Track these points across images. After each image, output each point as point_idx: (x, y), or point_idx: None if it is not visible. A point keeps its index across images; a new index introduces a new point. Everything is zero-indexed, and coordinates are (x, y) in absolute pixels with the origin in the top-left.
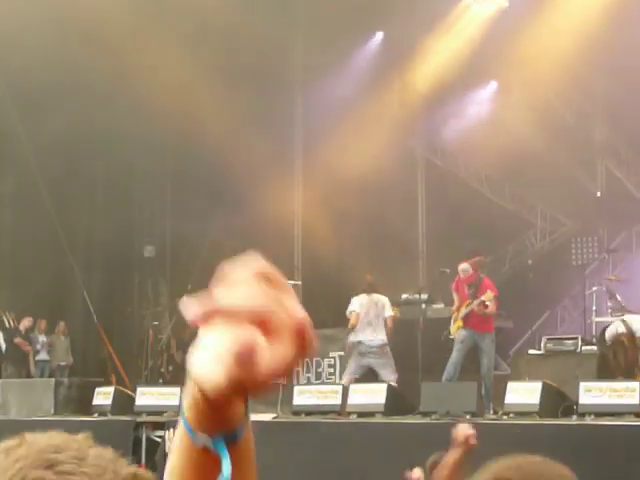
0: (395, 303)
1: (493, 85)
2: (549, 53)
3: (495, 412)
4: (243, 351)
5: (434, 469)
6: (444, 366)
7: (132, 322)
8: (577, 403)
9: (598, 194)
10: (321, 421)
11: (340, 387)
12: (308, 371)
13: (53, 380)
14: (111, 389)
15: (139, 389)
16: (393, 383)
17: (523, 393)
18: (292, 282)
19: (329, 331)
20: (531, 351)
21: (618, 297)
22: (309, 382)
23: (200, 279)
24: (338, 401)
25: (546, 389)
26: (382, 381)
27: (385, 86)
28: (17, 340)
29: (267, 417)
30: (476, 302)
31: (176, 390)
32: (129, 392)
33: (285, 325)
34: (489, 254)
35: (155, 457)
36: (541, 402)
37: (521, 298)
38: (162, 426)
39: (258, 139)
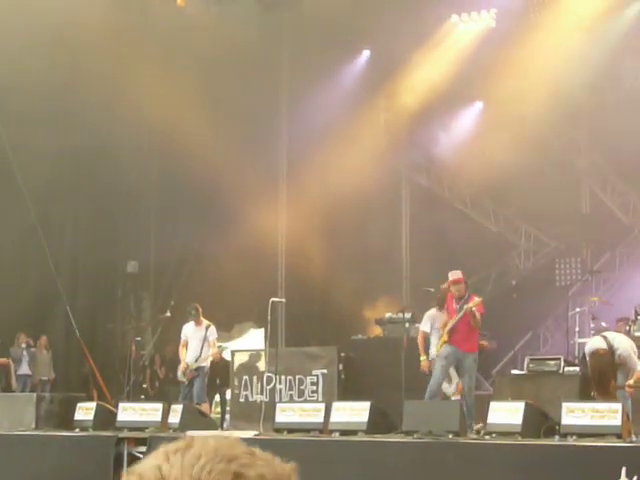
0: (379, 322)
1: (478, 105)
2: (534, 74)
3: (477, 432)
4: None
5: None
6: (427, 385)
7: (114, 337)
8: (559, 424)
9: (583, 212)
10: (303, 439)
11: (323, 405)
12: (291, 389)
13: (35, 395)
14: (93, 404)
15: (121, 405)
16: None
17: (505, 413)
18: (276, 300)
19: (312, 349)
20: (514, 371)
21: (602, 323)
22: (292, 399)
23: (183, 295)
24: (320, 419)
25: (528, 409)
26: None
27: (370, 105)
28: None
29: (249, 434)
30: (464, 310)
31: (158, 406)
32: (111, 407)
33: None
34: (473, 274)
35: None
36: (523, 422)
37: (504, 318)
38: (144, 442)
39: (243, 157)
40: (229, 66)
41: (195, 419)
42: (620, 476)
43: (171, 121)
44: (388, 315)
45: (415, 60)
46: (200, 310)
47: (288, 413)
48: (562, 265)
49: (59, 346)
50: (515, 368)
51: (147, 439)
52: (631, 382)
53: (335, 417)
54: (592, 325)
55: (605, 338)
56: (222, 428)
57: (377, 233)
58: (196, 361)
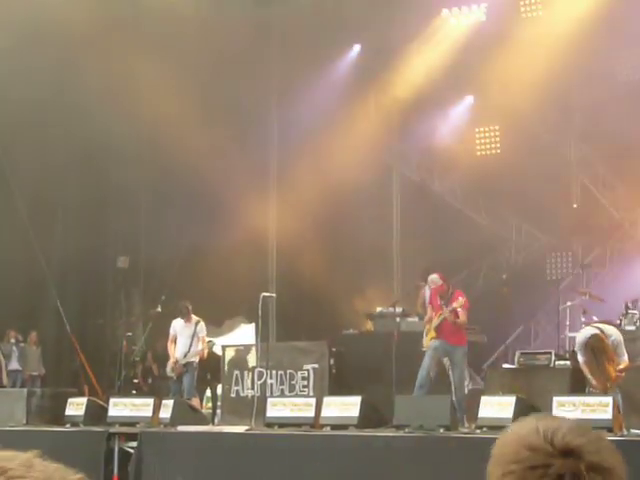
0: (369, 317)
1: (469, 99)
2: (525, 68)
3: (468, 426)
4: None
5: None
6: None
7: (105, 333)
8: None
9: (574, 206)
10: (294, 433)
11: (314, 400)
12: (282, 383)
13: (25, 390)
14: (84, 400)
15: (112, 400)
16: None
17: (497, 407)
18: (267, 294)
19: (303, 344)
20: (505, 365)
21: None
22: (283, 394)
23: (174, 290)
24: (311, 414)
25: (519, 403)
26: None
27: (361, 99)
28: None
29: (240, 429)
30: (448, 309)
31: (149, 401)
32: (102, 403)
33: None
34: (464, 268)
35: (128, 468)
36: (514, 416)
37: (495, 313)
38: (135, 437)
39: (234, 152)
40: (219, 61)
41: (186, 414)
42: None
43: (161, 116)
44: (379, 309)
45: (405, 54)
46: (190, 309)
47: (279, 408)
48: (553, 259)
49: (50, 341)
50: (506, 362)
51: (138, 434)
52: (621, 367)
53: (326, 412)
54: (583, 319)
55: (597, 327)
56: (213, 423)
57: (368, 227)
58: (185, 357)
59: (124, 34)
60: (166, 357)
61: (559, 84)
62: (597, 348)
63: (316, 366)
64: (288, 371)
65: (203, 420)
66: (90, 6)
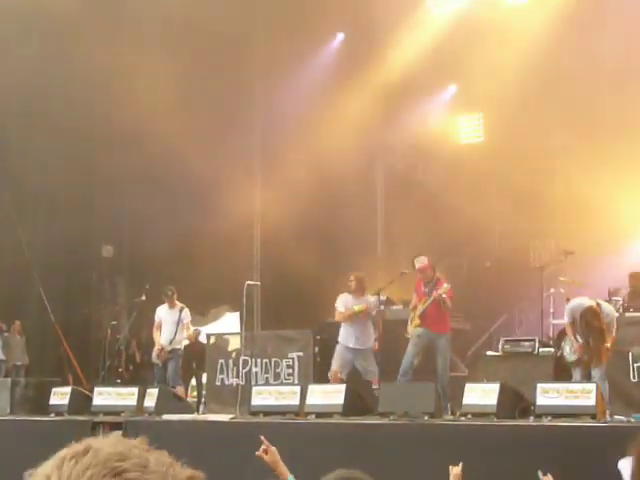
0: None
1: (452, 89)
2: (508, 55)
3: (453, 413)
4: None
5: None
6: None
7: (89, 322)
8: (534, 404)
9: (557, 193)
10: (279, 422)
11: (298, 388)
12: (267, 372)
13: (9, 380)
14: (68, 389)
15: (96, 389)
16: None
17: (481, 394)
18: (252, 283)
19: (288, 332)
20: (489, 352)
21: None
22: (267, 382)
23: (158, 279)
24: (296, 402)
25: (503, 390)
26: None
27: (344, 89)
28: None
29: (225, 418)
30: (432, 298)
31: (134, 390)
32: (86, 392)
33: None
34: (448, 256)
35: None
36: (498, 403)
37: (479, 300)
38: (120, 426)
39: (218, 141)
40: (202, 49)
41: (171, 403)
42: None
43: (145, 102)
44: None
45: (389, 44)
46: (174, 292)
47: (264, 396)
48: (536, 246)
49: (34, 331)
50: (490, 350)
51: (123, 423)
52: (608, 345)
53: (311, 400)
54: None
55: (595, 300)
56: (198, 412)
57: (352, 216)
58: (170, 343)
59: (105, 20)
60: (150, 345)
61: (542, 71)
62: (591, 324)
63: (301, 354)
64: (273, 359)
65: (188, 409)
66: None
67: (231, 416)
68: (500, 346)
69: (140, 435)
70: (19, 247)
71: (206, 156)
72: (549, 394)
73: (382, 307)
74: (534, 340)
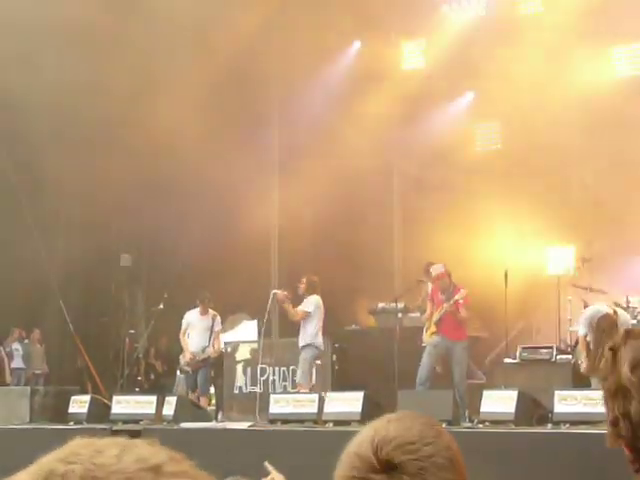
0: (371, 312)
1: (469, 95)
2: (525, 62)
3: (471, 420)
4: None
5: None
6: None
7: (108, 330)
8: (552, 411)
9: (574, 199)
10: (297, 429)
11: (316, 395)
12: (285, 380)
13: (29, 388)
14: (87, 397)
15: (115, 397)
16: None
17: (499, 401)
18: (278, 291)
19: None
20: (507, 360)
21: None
22: (285, 390)
23: (176, 287)
24: (314, 409)
25: (521, 397)
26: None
27: (362, 96)
28: None
29: (243, 425)
30: (450, 302)
31: (152, 398)
32: (105, 400)
33: None
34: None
35: None
36: (516, 410)
37: (497, 307)
38: (138, 434)
39: (235, 149)
40: (219, 59)
41: (189, 411)
42: None
43: (162, 116)
44: (381, 305)
45: (406, 50)
46: (210, 299)
47: (282, 404)
48: (554, 253)
49: (53, 340)
50: (508, 357)
51: (141, 431)
52: None
53: (329, 407)
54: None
55: (611, 308)
56: (217, 420)
57: (369, 223)
58: (203, 351)
59: (124, 35)
60: (170, 354)
61: (558, 78)
62: (609, 333)
63: (319, 362)
64: (291, 367)
65: (206, 417)
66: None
67: (250, 424)
68: (518, 353)
69: (158, 441)
70: (38, 256)
71: (224, 165)
72: (567, 401)
73: (400, 314)
74: (552, 347)
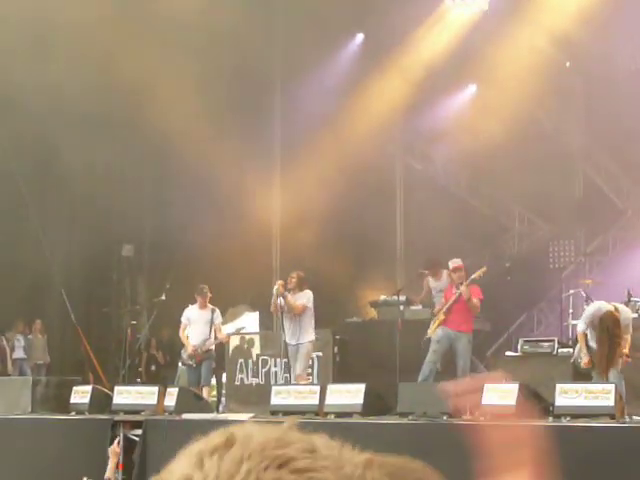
0: (373, 305)
1: (472, 88)
2: (527, 56)
3: (471, 413)
4: None
5: None
6: (421, 366)
7: (110, 321)
8: (553, 404)
9: (577, 194)
10: (298, 421)
11: (318, 387)
12: (286, 371)
13: (31, 378)
14: (89, 388)
15: (117, 388)
16: None
17: (499, 394)
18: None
19: None
20: (508, 353)
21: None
22: (287, 382)
23: (178, 278)
24: (316, 401)
25: (522, 390)
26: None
27: (364, 89)
28: None
29: (245, 417)
30: (466, 283)
31: (154, 389)
32: (107, 391)
33: None
34: (467, 257)
35: (133, 456)
36: (517, 403)
37: (499, 300)
38: (139, 425)
39: (237, 142)
40: (221, 52)
41: (191, 402)
42: None
43: (165, 109)
44: (382, 298)
45: (409, 44)
46: (210, 291)
47: (283, 396)
48: (556, 248)
49: (55, 330)
50: (509, 350)
51: (143, 422)
52: (626, 351)
53: (330, 399)
54: (586, 307)
55: (612, 304)
56: (218, 411)
57: (371, 216)
58: (205, 344)
59: (124, 28)
60: (171, 345)
61: (561, 72)
62: (611, 332)
63: (320, 354)
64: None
65: (208, 408)
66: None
67: (251, 415)
68: (519, 347)
69: (160, 434)
70: (40, 247)
71: (226, 157)
72: (568, 394)
73: (402, 307)
74: (553, 341)
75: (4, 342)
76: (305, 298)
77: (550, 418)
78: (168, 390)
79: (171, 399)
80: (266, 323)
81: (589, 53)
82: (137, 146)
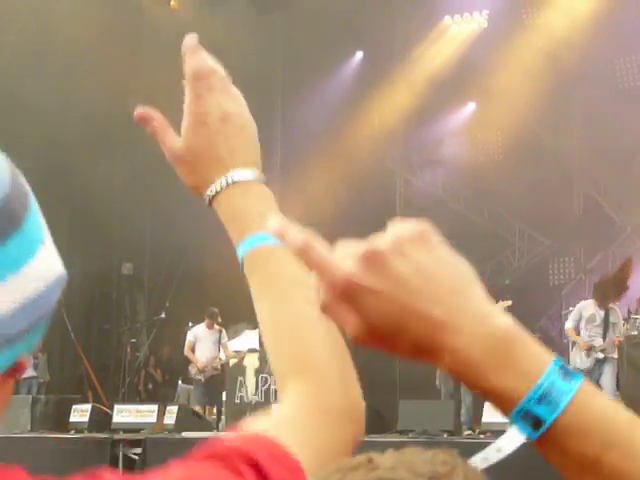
0: None
1: (471, 105)
2: (526, 74)
3: (472, 430)
4: None
5: None
6: (422, 384)
7: (110, 339)
8: None
9: (576, 210)
10: None
11: None
12: None
13: (30, 397)
14: (88, 406)
15: (116, 406)
16: None
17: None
18: None
19: None
20: None
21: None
22: None
23: (177, 297)
24: None
25: None
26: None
27: (364, 106)
28: None
29: None
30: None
31: (153, 407)
32: (106, 409)
33: None
34: None
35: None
36: None
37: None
38: (139, 443)
39: None
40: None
41: (190, 420)
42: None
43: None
44: None
45: (408, 61)
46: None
47: None
48: (555, 264)
49: (54, 348)
50: None
51: (142, 440)
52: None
53: None
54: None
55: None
56: (217, 429)
57: (371, 232)
58: (214, 362)
59: (125, 43)
60: (170, 364)
61: (560, 90)
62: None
63: None
64: None
65: (207, 426)
66: (92, 15)
67: None
68: None
69: (159, 452)
70: None
71: None
72: None
73: None
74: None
75: None
76: None
77: None
78: (168, 408)
79: (171, 417)
80: None
81: (588, 70)
82: (137, 163)
